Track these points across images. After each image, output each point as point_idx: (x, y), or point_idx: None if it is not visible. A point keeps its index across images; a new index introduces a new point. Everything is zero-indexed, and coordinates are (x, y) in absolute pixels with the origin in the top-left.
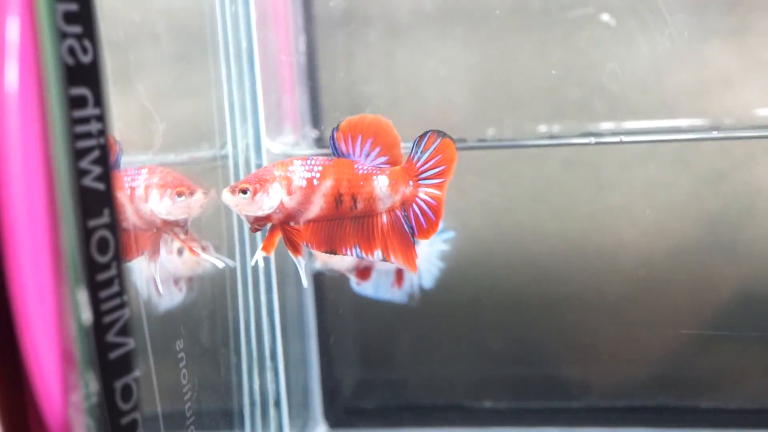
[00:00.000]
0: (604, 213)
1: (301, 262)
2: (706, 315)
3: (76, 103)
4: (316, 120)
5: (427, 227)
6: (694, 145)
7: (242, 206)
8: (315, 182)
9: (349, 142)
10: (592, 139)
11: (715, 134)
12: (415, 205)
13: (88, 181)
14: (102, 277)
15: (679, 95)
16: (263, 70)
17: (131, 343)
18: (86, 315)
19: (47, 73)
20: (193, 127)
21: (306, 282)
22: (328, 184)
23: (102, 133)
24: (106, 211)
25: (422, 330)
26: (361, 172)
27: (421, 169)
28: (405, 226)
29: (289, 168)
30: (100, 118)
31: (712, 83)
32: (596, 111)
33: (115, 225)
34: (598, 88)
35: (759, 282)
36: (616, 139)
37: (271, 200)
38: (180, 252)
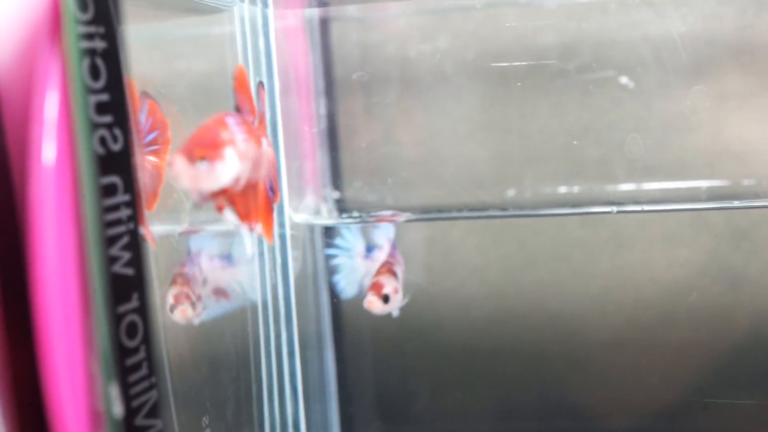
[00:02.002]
0: (623, 270)
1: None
2: (728, 376)
3: (107, 191)
4: (336, 182)
5: None
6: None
7: (200, 180)
8: (247, 143)
9: (246, 99)
10: (614, 209)
11: (736, 203)
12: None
13: (118, 268)
14: (131, 361)
15: (698, 156)
16: (286, 139)
17: (159, 424)
18: (118, 409)
19: (80, 164)
20: None
21: (250, 250)
22: (251, 145)
23: (131, 218)
24: (135, 296)
25: (444, 388)
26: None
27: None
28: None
29: (230, 129)
30: (130, 204)
31: (730, 143)
32: (615, 171)
33: (143, 308)
34: (617, 148)
35: None
36: (638, 208)
37: (230, 169)
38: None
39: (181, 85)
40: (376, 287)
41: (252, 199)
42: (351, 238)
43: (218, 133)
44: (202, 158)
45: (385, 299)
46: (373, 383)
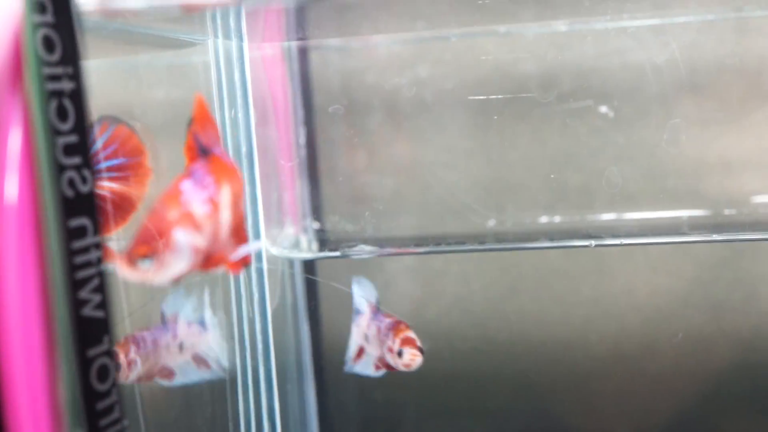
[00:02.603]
0: (606, 299)
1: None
2: (711, 404)
3: (76, 234)
4: (317, 211)
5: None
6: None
7: (149, 277)
8: (216, 198)
9: (208, 132)
10: (592, 243)
11: (715, 237)
12: None
13: (88, 311)
14: (102, 405)
15: (679, 185)
16: (263, 170)
17: None
18: None
19: (45, 206)
20: None
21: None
22: (226, 192)
23: (100, 260)
24: (106, 338)
25: (427, 418)
26: (230, 165)
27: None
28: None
29: (181, 198)
30: (100, 246)
31: (711, 171)
32: (595, 200)
33: (112, 350)
34: (597, 178)
35: (765, 369)
36: (617, 241)
37: (183, 254)
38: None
39: (156, 115)
40: (409, 342)
41: (239, 237)
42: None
43: (163, 218)
44: (144, 257)
45: (421, 351)
46: (355, 415)
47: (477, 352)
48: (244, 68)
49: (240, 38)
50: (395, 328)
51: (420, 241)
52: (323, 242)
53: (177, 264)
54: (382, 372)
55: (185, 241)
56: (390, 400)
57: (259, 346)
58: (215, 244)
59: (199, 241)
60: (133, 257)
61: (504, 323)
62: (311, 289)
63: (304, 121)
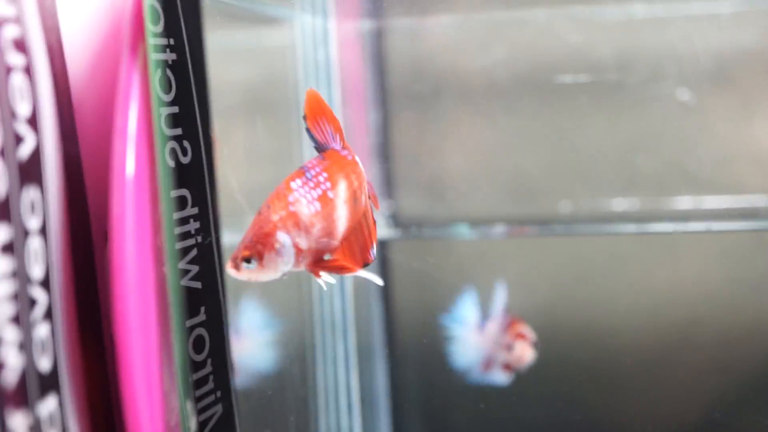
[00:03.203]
0: (678, 288)
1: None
2: None
3: (178, 204)
4: (389, 192)
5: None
6: None
7: (254, 277)
8: (330, 194)
9: (322, 128)
10: (670, 227)
11: None
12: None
13: (187, 281)
14: (198, 375)
15: (756, 170)
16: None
17: None
18: (193, 424)
19: (159, 176)
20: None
21: (381, 281)
22: (343, 188)
23: (199, 230)
24: (203, 309)
25: (493, 402)
26: (350, 158)
27: None
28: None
29: (289, 199)
30: (198, 217)
31: None
32: (671, 185)
33: (210, 322)
34: (674, 162)
35: None
36: (695, 227)
37: (285, 255)
38: None
39: (243, 93)
40: (521, 336)
41: (357, 235)
42: (465, 308)
43: (268, 219)
44: (247, 259)
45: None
46: (423, 395)
47: (544, 337)
48: (329, 47)
49: (325, 16)
50: (510, 324)
51: (492, 222)
52: (396, 222)
53: (279, 266)
54: (509, 375)
55: (287, 242)
56: (455, 383)
57: (338, 325)
58: (328, 242)
59: (304, 242)
60: (236, 259)
61: (572, 311)
62: (383, 269)
63: (378, 103)
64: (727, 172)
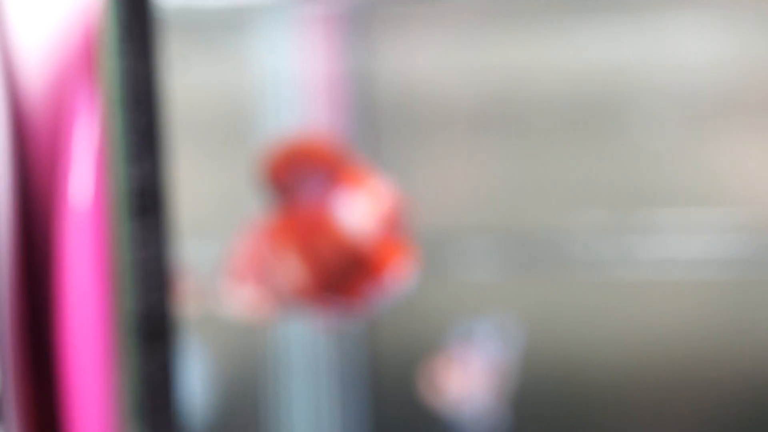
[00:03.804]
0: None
1: None
2: None
3: (136, 226)
4: None
5: None
6: None
7: (252, 307)
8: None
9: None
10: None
11: None
12: None
13: (148, 308)
14: (157, 403)
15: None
16: None
17: None
18: None
19: (114, 197)
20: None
21: None
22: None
23: (152, 254)
24: (165, 338)
25: None
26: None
27: None
28: None
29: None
30: (161, 242)
31: None
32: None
33: (172, 351)
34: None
35: None
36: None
37: (282, 288)
38: None
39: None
40: None
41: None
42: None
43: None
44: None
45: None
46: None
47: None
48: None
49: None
50: None
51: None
52: None
53: (276, 298)
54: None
55: (283, 274)
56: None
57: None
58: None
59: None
60: (231, 288)
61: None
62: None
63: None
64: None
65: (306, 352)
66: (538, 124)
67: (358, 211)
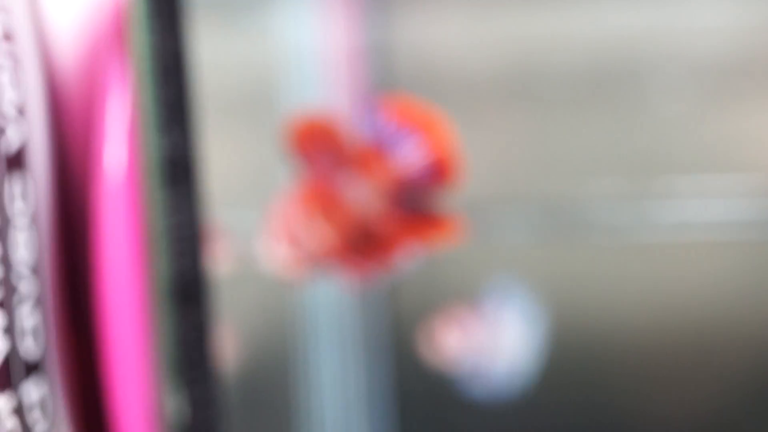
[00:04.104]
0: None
1: None
2: None
3: (167, 199)
4: None
5: None
6: None
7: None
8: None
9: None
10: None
11: None
12: None
13: (182, 274)
14: (194, 373)
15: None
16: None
17: None
18: (181, 416)
19: (148, 169)
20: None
21: None
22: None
23: (194, 224)
24: (199, 301)
25: (493, 411)
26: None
27: None
28: None
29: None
30: (184, 211)
31: None
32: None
33: (207, 317)
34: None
35: None
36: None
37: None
38: None
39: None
40: None
41: None
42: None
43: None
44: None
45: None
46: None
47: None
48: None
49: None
50: None
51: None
52: None
53: (307, 258)
54: None
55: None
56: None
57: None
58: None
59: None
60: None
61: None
62: None
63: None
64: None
65: (333, 313)
66: (556, 94)
67: (369, 185)
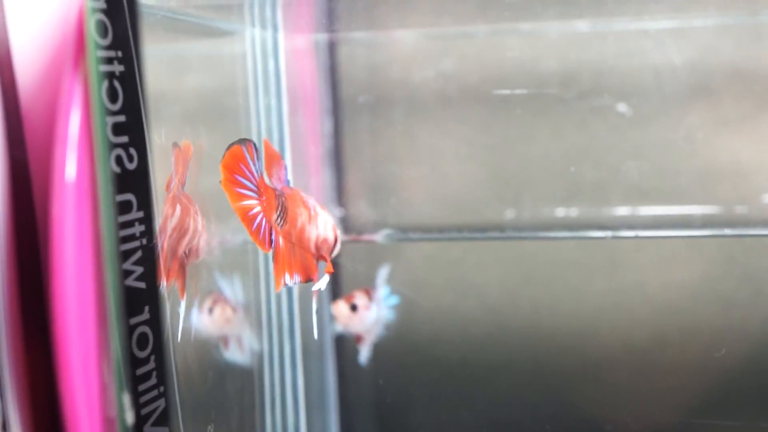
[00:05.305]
0: (618, 291)
1: None
2: (717, 397)
3: (122, 208)
4: (340, 200)
5: None
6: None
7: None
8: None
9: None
10: (609, 234)
11: (726, 231)
12: None
13: (131, 281)
14: (141, 371)
15: (693, 182)
16: (293, 157)
17: (166, 431)
18: (129, 417)
19: (99, 182)
20: (224, 210)
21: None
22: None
23: (144, 233)
24: (147, 308)
25: (441, 401)
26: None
27: None
28: None
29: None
30: (143, 220)
31: (724, 170)
32: (611, 195)
33: (154, 320)
34: (614, 173)
35: None
36: (632, 233)
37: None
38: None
39: (193, 102)
40: (347, 297)
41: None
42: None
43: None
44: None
45: (353, 308)
46: (372, 395)
47: (491, 338)
48: (278, 58)
49: (275, 28)
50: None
51: (441, 229)
52: (347, 228)
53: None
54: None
55: None
56: (406, 381)
57: (285, 323)
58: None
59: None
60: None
61: (518, 312)
62: (334, 273)
63: (330, 112)
64: (665, 183)
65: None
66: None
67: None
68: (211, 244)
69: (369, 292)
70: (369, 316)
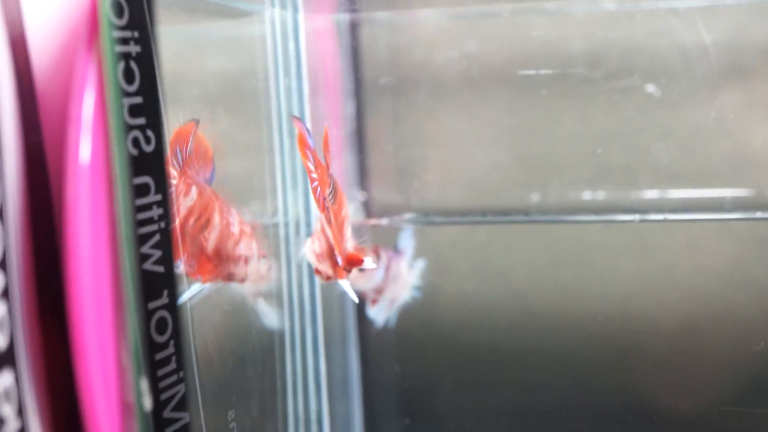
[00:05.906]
0: (646, 276)
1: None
2: (747, 384)
3: (140, 191)
4: (362, 183)
5: None
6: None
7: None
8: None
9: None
10: (637, 217)
11: (758, 215)
12: None
13: (149, 265)
14: (160, 356)
15: (723, 164)
16: (314, 140)
17: (186, 417)
18: (147, 402)
19: (115, 164)
20: (245, 190)
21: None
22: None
23: (162, 217)
24: (165, 292)
25: (466, 387)
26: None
27: None
28: None
29: None
30: (161, 204)
31: (756, 153)
32: (640, 178)
33: (173, 304)
34: (642, 155)
35: None
36: (660, 217)
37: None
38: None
39: (212, 84)
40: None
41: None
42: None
43: None
44: None
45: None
46: (395, 380)
47: (516, 324)
48: (298, 39)
49: (295, 8)
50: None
51: (465, 213)
52: (369, 211)
53: None
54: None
55: None
56: (429, 366)
57: (307, 308)
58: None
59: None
60: None
61: (544, 298)
62: None
63: (352, 94)
64: (695, 165)
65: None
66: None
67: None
68: (261, 273)
69: (377, 250)
70: (376, 275)
